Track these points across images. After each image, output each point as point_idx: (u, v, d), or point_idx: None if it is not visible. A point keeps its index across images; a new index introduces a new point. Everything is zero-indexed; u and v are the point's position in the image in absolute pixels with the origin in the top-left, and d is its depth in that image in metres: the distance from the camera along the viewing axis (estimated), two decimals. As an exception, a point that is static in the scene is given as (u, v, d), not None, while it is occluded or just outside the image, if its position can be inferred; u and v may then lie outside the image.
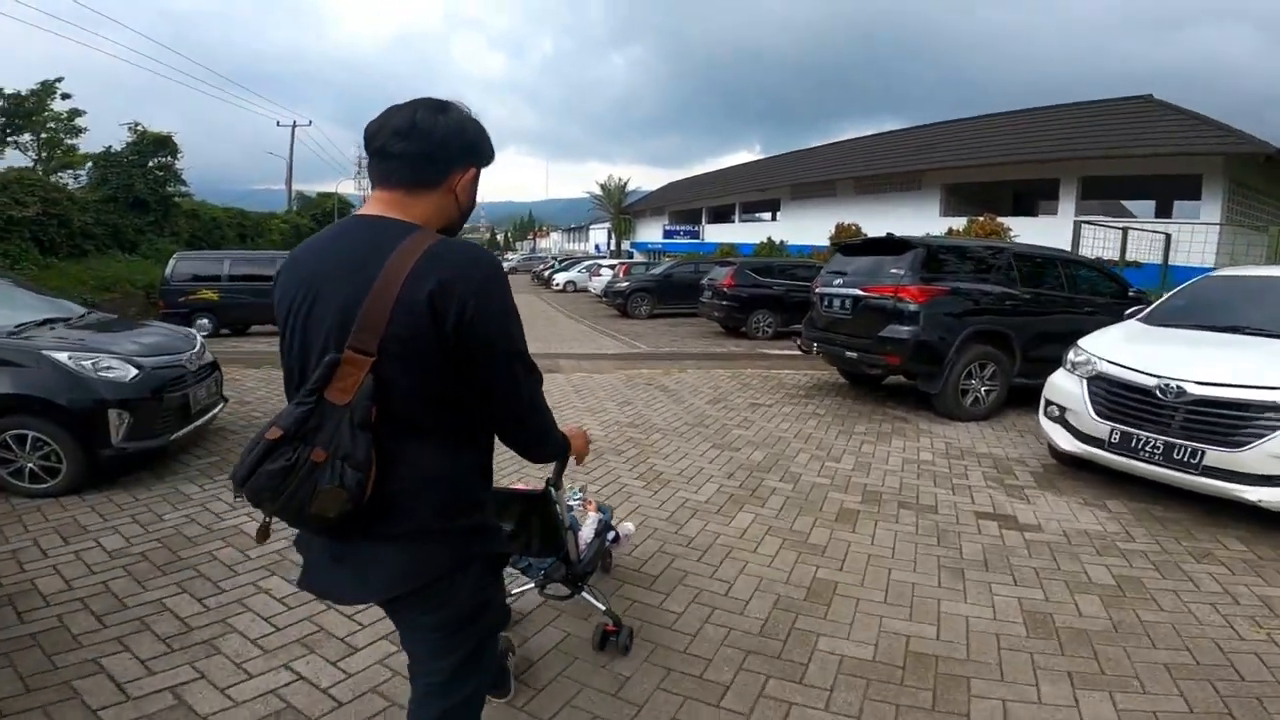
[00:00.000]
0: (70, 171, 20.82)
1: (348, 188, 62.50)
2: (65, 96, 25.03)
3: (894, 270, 5.82)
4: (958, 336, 5.65)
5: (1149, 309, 4.79)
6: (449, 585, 1.20)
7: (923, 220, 18.12)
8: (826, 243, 19.06)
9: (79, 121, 24.82)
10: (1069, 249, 8.51)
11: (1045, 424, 4.40)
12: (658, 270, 18.85)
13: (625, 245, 45.13)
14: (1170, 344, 4.03)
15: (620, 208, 45.57)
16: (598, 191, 46.33)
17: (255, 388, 6.92)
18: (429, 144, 1.14)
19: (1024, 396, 6.00)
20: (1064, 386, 4.25)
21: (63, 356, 3.74)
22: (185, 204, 21.07)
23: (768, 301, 12.47)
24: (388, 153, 1.14)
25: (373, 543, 1.15)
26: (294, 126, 36.05)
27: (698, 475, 4.32)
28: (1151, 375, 3.67)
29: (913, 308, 5.60)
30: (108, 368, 3.84)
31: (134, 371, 3.91)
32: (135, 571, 2.86)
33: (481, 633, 1.32)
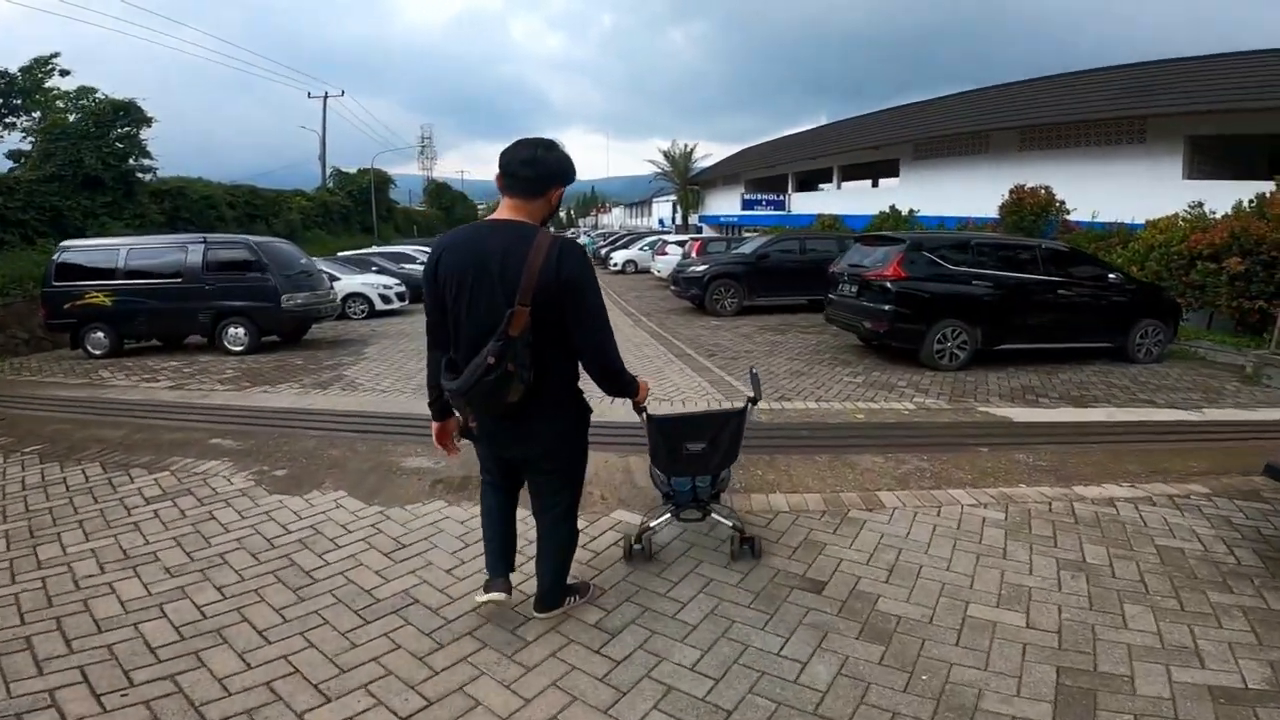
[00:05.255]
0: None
1: (412, 169, 60.89)
2: (64, 73, 22.21)
3: None
4: None
5: None
6: (568, 441, 2.27)
7: (1155, 183, 12.18)
8: (994, 214, 13.44)
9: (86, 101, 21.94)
10: None
11: None
12: (747, 249, 13.71)
13: (693, 219, 39.75)
14: None
15: (687, 177, 40.06)
16: (661, 161, 40.86)
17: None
18: (541, 170, 2.06)
19: None
20: None
21: None
22: (170, 181, 17.53)
23: (963, 305, 7.23)
24: (517, 175, 2.06)
25: (531, 418, 2.12)
26: (325, 97, 33.22)
27: None
28: None
29: None
30: None
31: None
32: None
33: (579, 476, 2.40)
